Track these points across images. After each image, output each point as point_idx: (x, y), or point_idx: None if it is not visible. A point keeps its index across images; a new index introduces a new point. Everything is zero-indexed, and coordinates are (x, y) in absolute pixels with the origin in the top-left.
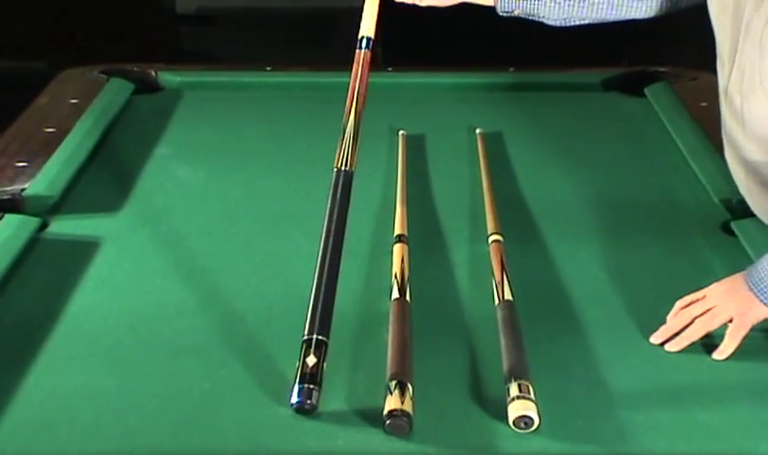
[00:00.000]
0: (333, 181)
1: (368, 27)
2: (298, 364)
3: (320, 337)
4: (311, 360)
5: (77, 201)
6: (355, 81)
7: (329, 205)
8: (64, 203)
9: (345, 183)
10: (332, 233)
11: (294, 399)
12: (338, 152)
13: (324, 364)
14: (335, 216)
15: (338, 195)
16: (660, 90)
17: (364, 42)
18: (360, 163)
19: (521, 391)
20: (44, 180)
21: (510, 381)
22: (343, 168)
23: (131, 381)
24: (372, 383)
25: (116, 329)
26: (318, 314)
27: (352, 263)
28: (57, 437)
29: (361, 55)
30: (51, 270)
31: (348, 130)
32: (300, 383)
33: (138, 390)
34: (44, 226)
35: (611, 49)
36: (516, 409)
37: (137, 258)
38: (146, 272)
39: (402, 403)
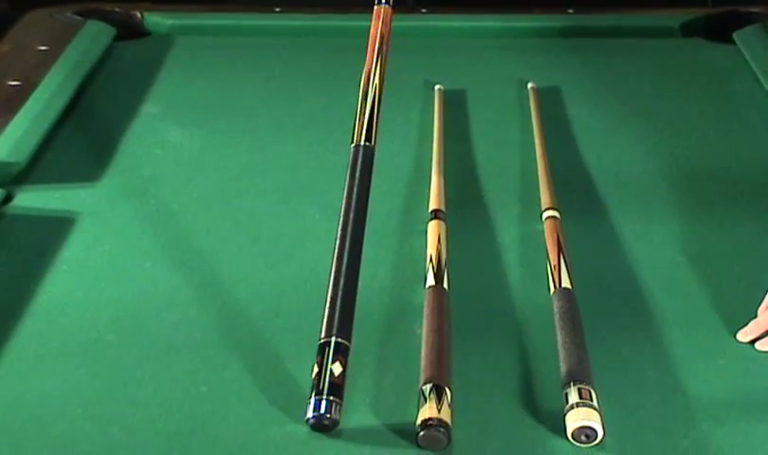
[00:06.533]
0: (351, 159)
1: None
2: (315, 370)
3: (339, 341)
4: (337, 369)
5: (47, 169)
6: (374, 41)
7: (346, 187)
8: (32, 171)
9: (365, 161)
10: (350, 222)
11: (310, 413)
12: (355, 123)
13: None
14: (353, 200)
15: (357, 176)
16: (752, 35)
17: None
18: (388, 123)
19: (581, 397)
20: (7, 144)
21: (569, 386)
22: (363, 143)
23: (113, 385)
24: (402, 388)
25: (95, 323)
26: (336, 313)
27: (378, 244)
28: (24, 452)
29: (381, 12)
30: (16, 252)
31: (368, 97)
32: (318, 395)
33: (122, 395)
34: (7, 198)
35: None
36: (576, 419)
37: (120, 237)
38: (131, 254)
39: (439, 411)
